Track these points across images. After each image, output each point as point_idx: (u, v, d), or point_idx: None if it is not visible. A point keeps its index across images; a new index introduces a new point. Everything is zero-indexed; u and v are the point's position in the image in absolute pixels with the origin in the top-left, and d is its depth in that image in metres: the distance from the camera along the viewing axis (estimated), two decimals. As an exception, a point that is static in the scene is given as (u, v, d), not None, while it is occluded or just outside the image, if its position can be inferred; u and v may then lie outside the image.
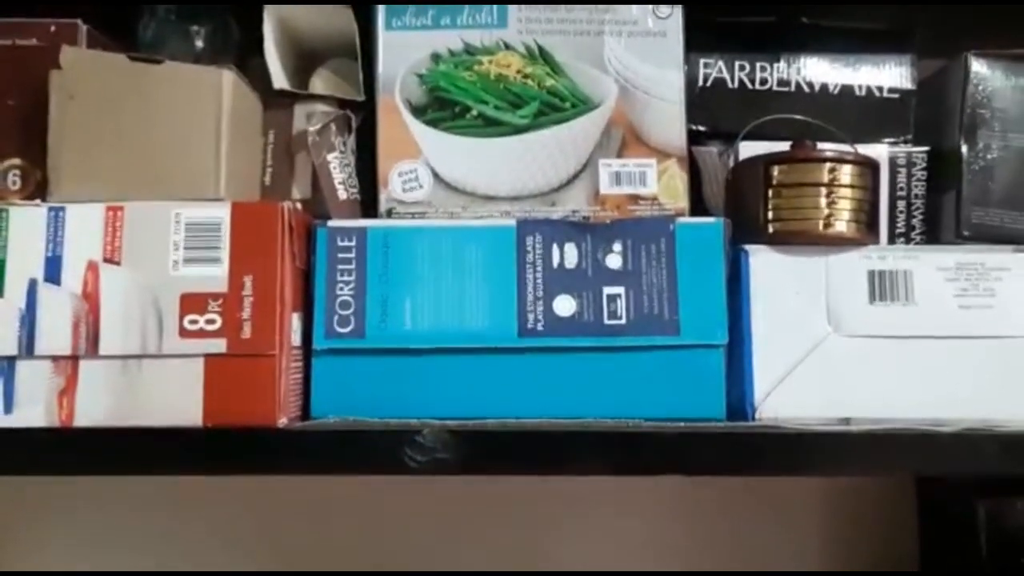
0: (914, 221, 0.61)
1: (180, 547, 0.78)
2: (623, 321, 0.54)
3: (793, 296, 0.54)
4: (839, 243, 0.55)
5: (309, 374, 0.54)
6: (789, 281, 0.55)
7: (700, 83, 0.62)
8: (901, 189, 0.61)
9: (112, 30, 0.58)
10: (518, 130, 0.58)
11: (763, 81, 0.62)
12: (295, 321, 0.53)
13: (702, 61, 0.62)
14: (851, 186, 0.54)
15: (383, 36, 0.58)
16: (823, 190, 0.54)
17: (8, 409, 0.50)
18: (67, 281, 0.50)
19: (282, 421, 0.50)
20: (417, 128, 0.58)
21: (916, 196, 0.61)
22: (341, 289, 0.54)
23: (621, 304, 0.54)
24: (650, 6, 0.59)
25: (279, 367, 0.50)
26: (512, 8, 0.59)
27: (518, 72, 0.58)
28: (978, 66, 0.59)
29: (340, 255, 0.54)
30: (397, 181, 0.58)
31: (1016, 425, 0.52)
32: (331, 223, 0.55)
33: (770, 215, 0.55)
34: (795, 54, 0.62)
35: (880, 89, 0.62)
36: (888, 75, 0.62)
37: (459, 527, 0.78)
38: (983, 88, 0.59)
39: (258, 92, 0.58)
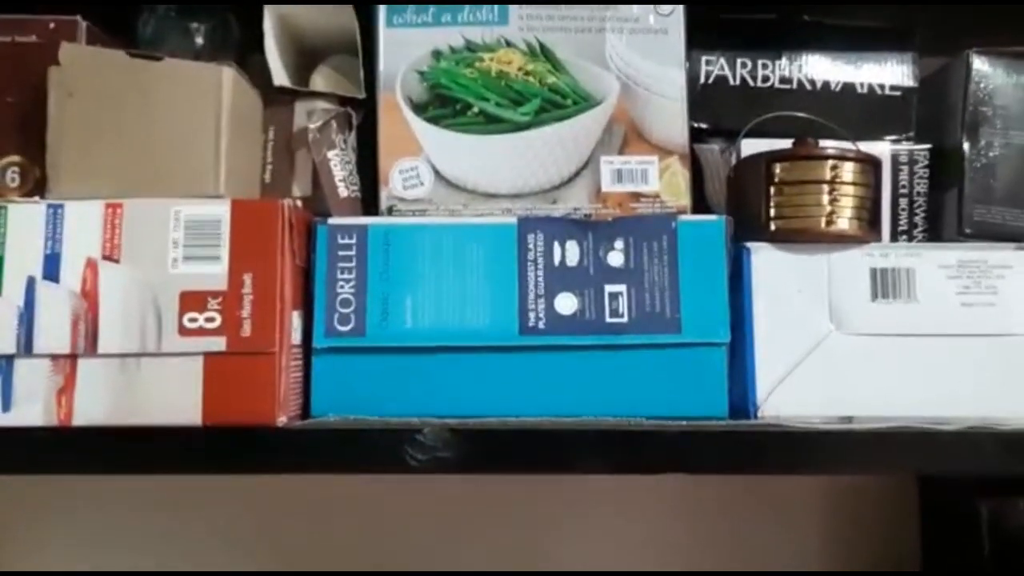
0: (916, 219, 0.61)
1: (180, 547, 0.77)
2: (625, 319, 0.53)
3: (795, 294, 0.54)
4: (841, 241, 0.54)
5: (309, 372, 0.53)
6: (791, 279, 0.54)
7: (702, 80, 0.62)
8: (903, 187, 0.60)
9: (112, 27, 0.58)
10: (519, 127, 0.58)
11: (765, 79, 0.62)
12: (295, 319, 0.52)
13: (704, 58, 0.62)
14: (853, 183, 0.54)
15: (384, 33, 0.58)
16: (825, 187, 0.54)
17: (7, 408, 0.49)
18: (66, 279, 0.50)
19: (282, 420, 0.50)
20: (418, 125, 0.57)
21: (918, 194, 0.61)
22: (341, 287, 0.53)
23: (623, 302, 0.53)
24: (652, 4, 0.59)
25: (279, 365, 0.50)
26: (513, 5, 0.58)
27: (519, 69, 0.58)
28: (980, 64, 0.59)
29: (340, 253, 0.54)
30: (398, 178, 0.57)
31: (1018, 423, 0.52)
32: (331, 221, 0.54)
33: (772, 213, 0.54)
34: (797, 52, 0.62)
35: (882, 87, 0.62)
36: (890, 73, 0.62)
37: (459, 527, 0.78)
38: (985, 86, 0.59)
39: (258, 89, 0.58)
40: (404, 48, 0.58)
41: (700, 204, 0.61)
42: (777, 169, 0.54)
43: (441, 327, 0.53)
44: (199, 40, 0.58)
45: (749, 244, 0.54)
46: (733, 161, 0.59)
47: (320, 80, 0.61)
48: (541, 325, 0.53)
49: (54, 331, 0.49)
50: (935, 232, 0.60)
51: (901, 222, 0.60)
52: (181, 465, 0.50)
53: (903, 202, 0.61)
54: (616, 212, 0.57)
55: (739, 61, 0.62)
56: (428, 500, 0.77)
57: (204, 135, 0.52)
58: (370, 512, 0.78)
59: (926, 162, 0.60)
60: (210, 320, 0.50)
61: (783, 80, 0.62)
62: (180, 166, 0.52)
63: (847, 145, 0.56)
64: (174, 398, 0.49)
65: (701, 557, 0.78)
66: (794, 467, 0.52)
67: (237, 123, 0.54)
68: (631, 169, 0.58)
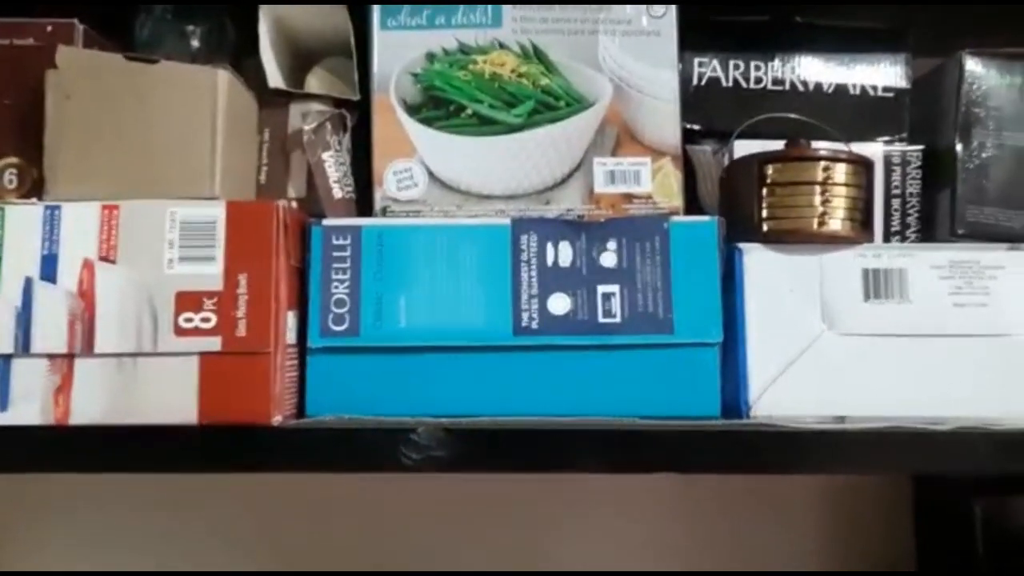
0: (909, 219, 0.61)
1: (180, 547, 0.78)
2: (617, 319, 0.54)
3: (787, 294, 0.54)
4: (833, 241, 0.54)
5: (304, 372, 0.54)
6: (783, 279, 0.54)
7: (694, 82, 0.62)
8: (896, 187, 0.61)
9: (108, 29, 0.58)
10: (513, 129, 0.58)
11: (757, 80, 0.62)
12: (290, 319, 0.53)
13: (696, 60, 0.62)
14: (845, 184, 0.54)
15: (378, 35, 0.58)
16: (817, 188, 0.54)
17: (4, 407, 0.50)
18: (63, 279, 0.50)
19: (277, 419, 0.50)
20: (412, 127, 0.58)
21: (911, 195, 0.61)
22: (336, 287, 0.54)
23: (616, 302, 0.54)
24: (644, 5, 0.59)
25: (274, 365, 0.50)
26: (506, 7, 0.59)
27: (512, 71, 0.58)
28: (973, 65, 0.59)
29: (335, 253, 0.54)
30: (392, 180, 0.58)
31: (1011, 423, 0.52)
32: (326, 222, 0.55)
33: (764, 213, 0.54)
34: (789, 53, 0.62)
35: (875, 88, 0.62)
36: (883, 74, 0.62)
37: (459, 527, 0.78)
38: (978, 87, 0.59)
39: (254, 91, 0.58)
40: (398, 50, 0.58)
41: (693, 205, 0.61)
42: (769, 170, 0.54)
43: (435, 327, 0.53)
44: (195, 42, 0.59)
45: (741, 245, 0.55)
46: (726, 162, 0.59)
47: (315, 82, 0.62)
48: (534, 325, 0.53)
49: (51, 331, 0.50)
50: (928, 233, 0.61)
51: (894, 223, 0.61)
52: (177, 464, 0.50)
53: (896, 203, 0.61)
54: (609, 213, 0.58)
55: (732, 62, 0.62)
56: (428, 500, 0.78)
57: (200, 137, 0.53)
58: (370, 512, 0.78)
59: (919, 163, 0.61)
60: (206, 320, 0.50)
61: (776, 81, 0.62)
62: (176, 168, 0.53)
63: (839, 146, 0.56)
64: (170, 397, 0.50)
65: (699, 557, 0.78)
66: (787, 467, 0.52)
67: (232, 125, 0.54)
68: (624, 170, 0.58)
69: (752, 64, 0.62)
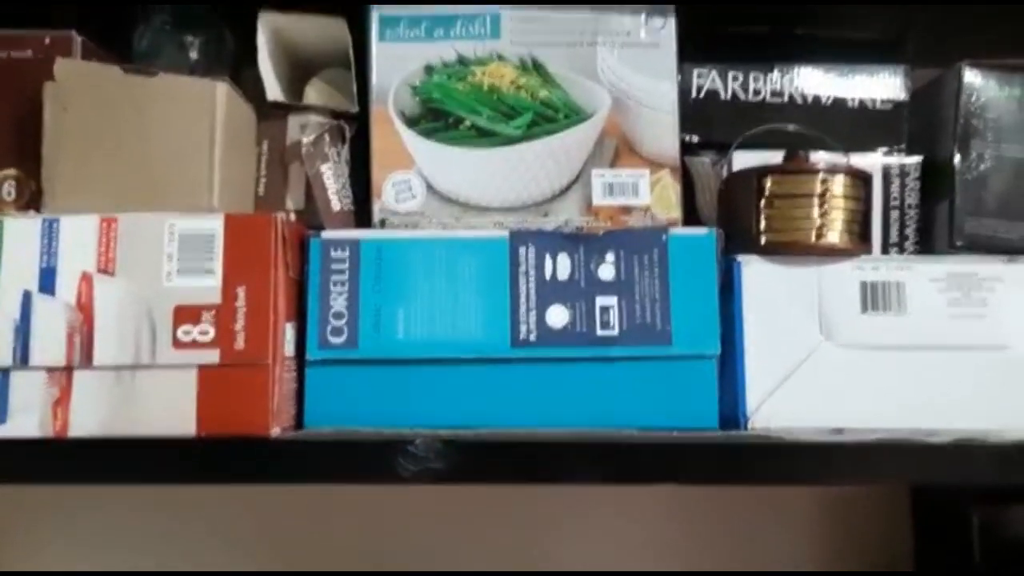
0: (907, 231, 0.61)
1: (180, 547, 0.78)
2: (615, 332, 0.54)
3: (786, 306, 0.55)
4: (831, 254, 0.55)
5: (303, 384, 0.54)
6: (782, 291, 0.55)
7: (693, 94, 0.62)
8: (894, 199, 0.61)
9: (107, 40, 0.58)
10: (511, 141, 0.58)
11: (756, 92, 0.62)
12: (288, 331, 0.53)
13: (695, 71, 0.62)
14: (843, 197, 0.54)
15: (377, 47, 0.59)
16: (815, 201, 0.54)
17: (3, 419, 0.50)
18: (61, 292, 0.50)
19: (275, 431, 0.51)
20: (410, 139, 0.58)
21: (909, 206, 0.61)
22: (334, 300, 0.54)
23: (614, 315, 0.54)
24: (643, 17, 0.59)
25: (272, 377, 0.51)
26: (505, 19, 0.59)
27: (511, 83, 0.58)
28: (972, 76, 0.59)
29: (333, 266, 0.54)
30: (391, 192, 0.58)
31: (1008, 435, 0.53)
32: (324, 234, 0.55)
33: (763, 226, 0.55)
34: (788, 65, 0.62)
35: (873, 100, 0.63)
36: (881, 86, 0.62)
37: (459, 527, 0.79)
38: (976, 98, 0.59)
39: (252, 102, 0.59)
40: (397, 62, 0.59)
41: (691, 216, 0.61)
42: (768, 183, 0.55)
43: (433, 339, 0.54)
44: (194, 54, 0.59)
45: (740, 257, 0.55)
46: (724, 174, 0.59)
47: (313, 93, 0.62)
48: (532, 337, 0.54)
49: (50, 344, 0.50)
50: (926, 244, 0.61)
51: (892, 234, 0.61)
52: (176, 475, 0.51)
53: (895, 214, 0.61)
54: (607, 225, 0.58)
55: (731, 74, 0.62)
56: (428, 500, 0.78)
57: (198, 150, 0.53)
58: (369, 512, 0.78)
59: (917, 174, 0.61)
60: (204, 333, 0.50)
61: (774, 93, 0.62)
62: (174, 180, 0.53)
63: (838, 159, 0.56)
64: (169, 410, 0.50)
65: (699, 558, 0.78)
66: (784, 478, 0.52)
67: (231, 138, 0.55)
68: (622, 182, 0.59)
69: (751, 76, 0.62)
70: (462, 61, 0.59)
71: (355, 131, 0.60)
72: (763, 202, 0.55)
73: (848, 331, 0.54)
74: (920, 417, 0.54)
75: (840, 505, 0.79)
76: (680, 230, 0.56)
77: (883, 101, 0.62)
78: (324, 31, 0.59)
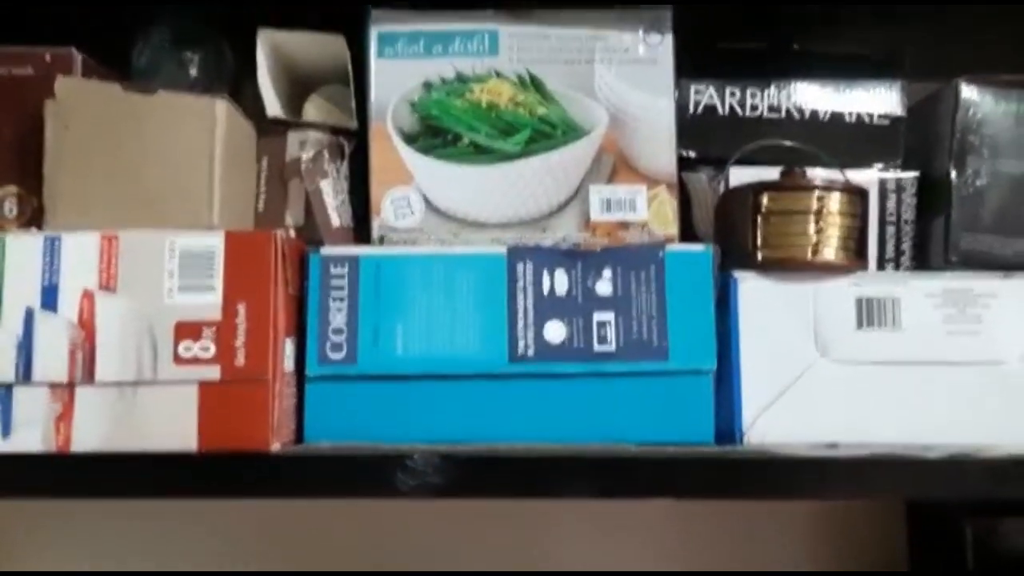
0: (903, 246, 0.62)
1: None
2: (612, 347, 0.55)
3: (782, 322, 0.56)
4: (827, 270, 0.56)
5: (302, 399, 0.55)
6: (778, 307, 0.56)
7: (691, 109, 0.63)
8: (891, 214, 0.62)
9: (107, 57, 0.59)
10: (509, 157, 0.59)
11: (754, 107, 0.63)
12: (288, 347, 0.54)
13: (693, 87, 0.63)
14: (839, 213, 0.55)
15: (375, 64, 0.60)
16: (811, 218, 0.55)
17: (6, 434, 0.51)
18: (63, 309, 0.51)
19: (276, 446, 0.52)
20: (409, 155, 0.59)
21: (906, 221, 0.62)
22: (334, 316, 0.55)
23: (611, 330, 0.55)
24: (641, 33, 0.60)
25: (272, 393, 0.51)
26: (503, 36, 0.60)
27: (509, 100, 0.59)
28: (968, 92, 0.60)
29: (333, 282, 0.55)
30: (389, 208, 0.59)
31: (1002, 450, 0.53)
32: (324, 250, 0.56)
33: (759, 242, 0.56)
34: (785, 80, 0.63)
35: (870, 115, 0.63)
36: (878, 101, 0.63)
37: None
38: (973, 114, 0.60)
39: (252, 118, 0.60)
40: (395, 79, 0.59)
41: (688, 232, 0.62)
42: (764, 199, 0.56)
43: (432, 355, 0.55)
44: (193, 70, 0.60)
45: (736, 273, 0.56)
46: (721, 189, 0.60)
47: (313, 109, 0.63)
48: (530, 353, 0.55)
49: (52, 360, 0.51)
50: (922, 259, 0.62)
51: (888, 249, 0.62)
52: (177, 491, 0.52)
53: (891, 229, 0.62)
54: (604, 241, 0.59)
55: (728, 90, 0.63)
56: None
57: (198, 168, 0.54)
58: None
59: (914, 189, 0.62)
60: (205, 349, 0.51)
61: (772, 109, 0.63)
62: (175, 197, 0.54)
63: (834, 175, 0.57)
64: (170, 425, 0.51)
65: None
66: (780, 493, 0.53)
67: (231, 155, 0.55)
68: (620, 198, 0.59)
69: (748, 91, 0.63)
70: (460, 78, 0.59)
71: (354, 147, 0.61)
72: (759, 218, 0.56)
73: (844, 347, 0.55)
74: (915, 432, 0.55)
75: (835, 514, 0.80)
76: (677, 246, 0.57)
77: (880, 116, 0.63)
78: (323, 48, 0.60)
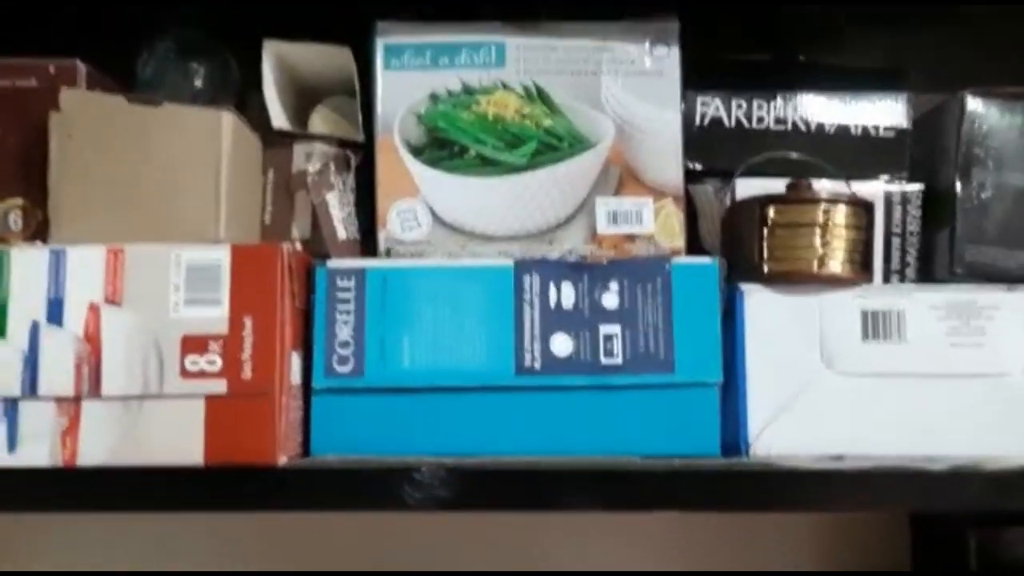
0: (908, 258, 0.63)
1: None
2: (619, 360, 0.55)
3: (787, 335, 0.57)
4: (833, 283, 0.56)
5: (309, 412, 0.56)
6: (784, 320, 0.57)
7: (697, 122, 0.64)
8: (896, 226, 0.62)
9: (112, 67, 0.59)
10: (516, 170, 0.60)
11: (760, 119, 0.64)
12: (295, 360, 0.54)
13: (699, 99, 0.64)
14: (845, 226, 0.56)
15: (382, 76, 0.60)
16: (817, 230, 0.56)
17: (12, 448, 0.51)
18: (69, 323, 0.52)
19: (282, 460, 0.52)
20: (416, 168, 0.60)
21: (911, 233, 0.63)
22: (340, 328, 0.55)
23: (617, 343, 0.55)
24: (647, 46, 0.60)
25: (279, 407, 0.52)
26: (510, 48, 0.60)
27: (516, 112, 0.60)
28: (974, 104, 0.61)
29: (339, 295, 0.56)
30: (396, 220, 0.59)
31: (1006, 462, 0.54)
32: (330, 263, 0.56)
33: (765, 255, 0.56)
34: (792, 93, 0.64)
35: (876, 127, 0.64)
36: (884, 113, 0.64)
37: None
38: (979, 126, 0.61)
39: (257, 130, 0.60)
40: (402, 91, 0.60)
41: (694, 244, 0.63)
42: (770, 212, 0.56)
43: (438, 368, 0.55)
44: (198, 81, 0.60)
45: (742, 286, 0.57)
46: (727, 202, 0.60)
47: (319, 120, 0.63)
48: (537, 366, 0.55)
49: (58, 374, 0.51)
50: (927, 271, 0.63)
51: (894, 261, 0.63)
52: (183, 504, 0.52)
53: (896, 241, 0.62)
54: (611, 254, 0.59)
55: (734, 102, 0.64)
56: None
57: (204, 180, 0.54)
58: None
59: (919, 202, 0.63)
60: (211, 363, 0.52)
61: (778, 121, 0.64)
62: (180, 211, 0.54)
63: (840, 188, 0.58)
64: (176, 439, 0.52)
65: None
66: (785, 505, 0.54)
67: (237, 167, 0.56)
68: (626, 211, 0.60)
69: (755, 103, 0.64)
70: (467, 90, 0.60)
71: (360, 159, 0.62)
72: (766, 231, 0.56)
73: (849, 359, 0.56)
74: (920, 444, 0.55)
75: (839, 522, 0.80)
76: (683, 259, 0.57)
77: (886, 128, 0.64)
78: (329, 59, 0.60)
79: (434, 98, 0.60)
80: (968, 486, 0.52)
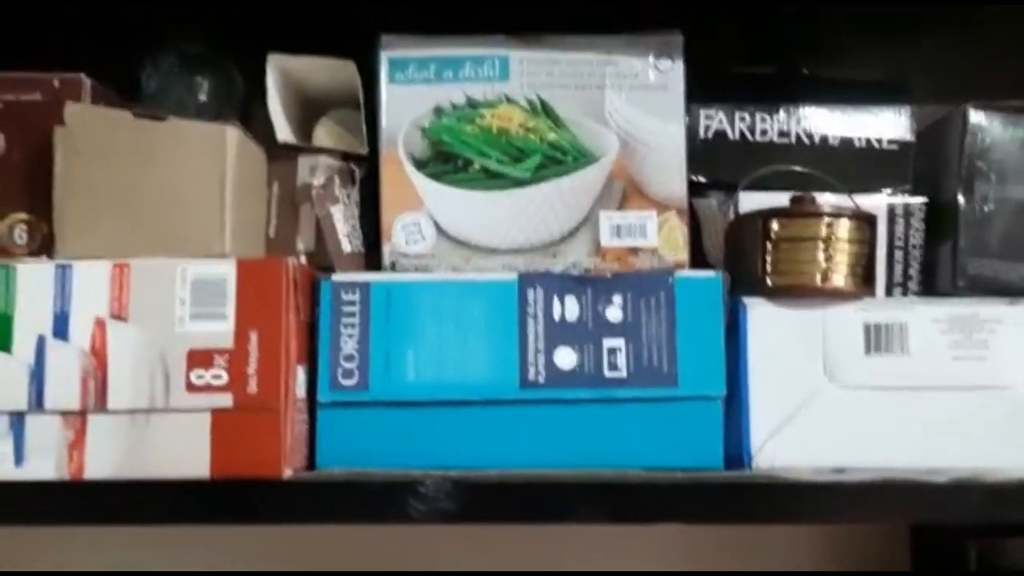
0: (911, 271, 0.63)
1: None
2: (623, 373, 0.56)
3: (790, 348, 0.57)
4: (836, 296, 0.57)
5: (314, 425, 0.56)
6: (787, 333, 0.57)
7: (701, 135, 0.64)
8: (899, 239, 0.63)
9: (116, 81, 0.60)
10: (520, 183, 0.60)
11: (763, 132, 0.64)
12: (300, 374, 0.55)
13: (703, 113, 0.64)
14: (848, 240, 0.57)
15: (386, 89, 0.61)
16: (820, 244, 0.57)
17: (19, 462, 0.52)
18: (75, 337, 0.53)
19: (288, 473, 0.53)
20: (420, 181, 0.60)
21: (914, 246, 0.63)
22: (345, 342, 0.56)
23: (621, 356, 0.56)
24: (651, 59, 0.61)
25: (284, 420, 0.53)
26: (514, 62, 0.61)
27: (520, 125, 0.60)
28: (977, 117, 0.61)
29: (344, 308, 0.56)
30: (400, 234, 0.60)
31: (1008, 474, 0.55)
32: (335, 277, 0.57)
33: (768, 268, 0.57)
34: (795, 106, 0.64)
35: (879, 140, 0.65)
36: (887, 126, 0.65)
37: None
38: (981, 139, 0.61)
39: (262, 143, 0.61)
40: (406, 104, 0.61)
41: (698, 257, 0.64)
42: (774, 226, 0.57)
43: (443, 381, 0.56)
44: (202, 95, 0.61)
45: (746, 300, 0.58)
46: (731, 214, 0.61)
47: (323, 133, 0.64)
48: (541, 379, 0.56)
49: (64, 388, 0.52)
50: (930, 284, 0.64)
51: (897, 274, 0.63)
52: (189, 517, 0.53)
53: (899, 254, 0.63)
54: (615, 267, 0.60)
55: (738, 115, 0.64)
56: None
57: (209, 195, 0.55)
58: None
59: (922, 215, 0.63)
60: (217, 377, 0.52)
61: (781, 134, 0.64)
62: (186, 225, 0.55)
63: (843, 202, 0.58)
64: (182, 452, 0.52)
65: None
66: (788, 517, 0.55)
67: (242, 181, 0.56)
68: (630, 224, 0.61)
69: (758, 117, 0.64)
70: (471, 103, 0.61)
71: (365, 173, 0.62)
72: (769, 245, 0.57)
73: (852, 372, 0.57)
74: (922, 457, 0.56)
75: (840, 533, 0.81)
76: (687, 273, 0.58)
77: (889, 141, 0.65)
78: (333, 73, 0.61)
79: (438, 111, 0.60)
80: (970, 499, 0.53)
